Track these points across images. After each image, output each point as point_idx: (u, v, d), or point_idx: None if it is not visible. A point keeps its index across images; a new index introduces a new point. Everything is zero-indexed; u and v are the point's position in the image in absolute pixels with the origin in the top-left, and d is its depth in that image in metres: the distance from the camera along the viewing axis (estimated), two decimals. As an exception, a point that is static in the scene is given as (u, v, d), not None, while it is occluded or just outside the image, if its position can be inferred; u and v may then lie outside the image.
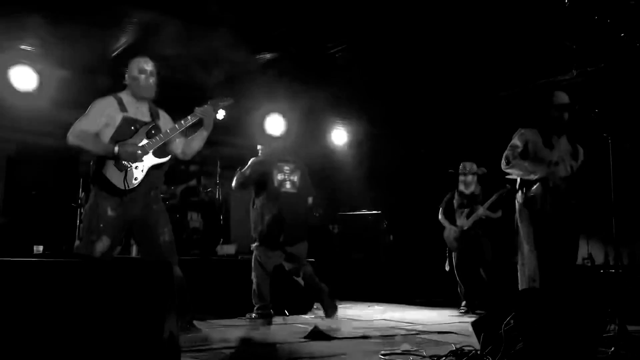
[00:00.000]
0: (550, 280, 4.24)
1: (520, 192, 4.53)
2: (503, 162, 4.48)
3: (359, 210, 9.00)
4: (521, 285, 4.40)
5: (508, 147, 4.52)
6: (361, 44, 6.54)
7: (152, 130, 3.78)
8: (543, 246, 4.34)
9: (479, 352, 3.18)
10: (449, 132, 8.76)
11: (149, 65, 3.84)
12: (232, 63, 7.04)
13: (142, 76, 3.80)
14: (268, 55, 6.88)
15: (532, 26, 5.78)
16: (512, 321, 3.05)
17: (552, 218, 4.38)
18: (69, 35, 6.02)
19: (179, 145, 3.98)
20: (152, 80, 3.83)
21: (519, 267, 4.47)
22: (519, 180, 4.58)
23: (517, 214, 4.56)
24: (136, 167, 3.66)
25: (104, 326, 2.07)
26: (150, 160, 3.73)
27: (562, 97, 4.52)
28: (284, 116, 8.44)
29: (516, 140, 4.53)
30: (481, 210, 6.46)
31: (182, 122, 3.81)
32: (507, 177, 5.46)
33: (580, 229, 4.46)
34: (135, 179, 3.66)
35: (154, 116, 3.89)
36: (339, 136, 9.63)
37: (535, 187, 4.42)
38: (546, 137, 4.50)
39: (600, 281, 6.15)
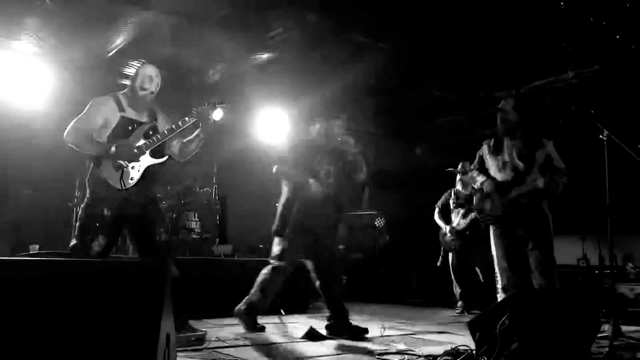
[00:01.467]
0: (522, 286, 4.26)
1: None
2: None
3: (356, 211, 9.01)
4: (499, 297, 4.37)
5: None
6: (358, 44, 6.55)
7: (149, 131, 3.78)
8: (507, 253, 4.40)
9: (474, 352, 3.19)
10: (446, 132, 8.78)
11: (151, 85, 3.82)
12: (229, 63, 7.05)
13: (142, 93, 3.80)
14: (265, 56, 6.88)
15: (529, 27, 5.80)
16: (507, 321, 3.07)
17: (502, 223, 4.46)
18: (67, 35, 6.02)
19: (176, 147, 3.98)
20: (149, 98, 3.84)
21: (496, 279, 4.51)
22: None
23: None
24: (132, 167, 3.66)
25: (100, 326, 2.07)
26: (147, 160, 3.73)
27: (503, 104, 4.57)
28: (281, 117, 8.44)
29: (477, 154, 4.79)
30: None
31: (180, 123, 3.81)
32: None
33: (541, 227, 4.36)
34: (132, 178, 3.66)
35: (152, 117, 3.90)
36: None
37: (475, 198, 4.70)
38: (496, 143, 4.61)
39: (595, 282, 6.18)
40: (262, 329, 4.55)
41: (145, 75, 3.83)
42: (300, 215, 4.46)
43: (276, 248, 4.59)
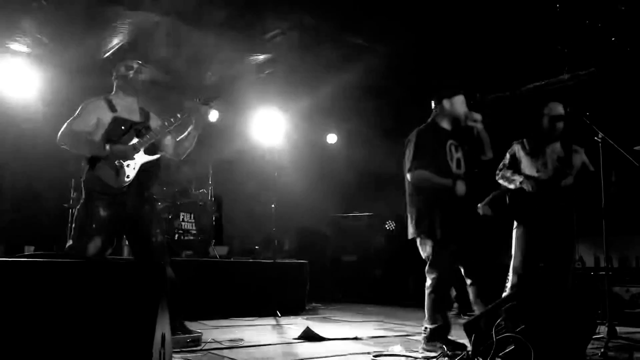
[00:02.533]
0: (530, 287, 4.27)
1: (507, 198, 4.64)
2: (497, 173, 4.72)
3: (352, 212, 9.02)
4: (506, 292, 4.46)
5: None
6: (354, 46, 6.56)
7: (142, 130, 3.80)
8: (530, 249, 4.41)
9: (470, 353, 3.20)
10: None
11: (135, 63, 3.90)
12: (226, 64, 7.04)
13: (131, 72, 3.86)
14: (262, 57, 6.88)
15: (524, 30, 5.82)
16: (503, 322, 3.07)
17: (535, 223, 4.43)
18: (62, 36, 6.01)
19: (169, 146, 3.99)
20: (141, 75, 3.88)
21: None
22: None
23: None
24: (128, 166, 3.67)
25: (96, 327, 2.06)
26: (141, 158, 3.74)
27: (557, 109, 4.54)
28: (277, 118, 8.44)
29: (507, 154, 4.72)
30: (480, 207, 6.49)
31: (172, 119, 3.82)
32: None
33: (570, 231, 4.45)
34: (128, 177, 3.66)
35: (144, 116, 3.92)
36: (333, 138, 9.66)
37: (511, 194, 4.59)
38: (533, 145, 4.59)
39: (591, 283, 6.19)
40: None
41: (126, 60, 3.94)
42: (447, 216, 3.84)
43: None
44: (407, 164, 3.95)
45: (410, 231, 3.98)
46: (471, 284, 3.92)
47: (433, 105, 4.17)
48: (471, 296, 3.91)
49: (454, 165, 3.94)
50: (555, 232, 4.39)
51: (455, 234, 3.82)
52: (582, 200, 4.50)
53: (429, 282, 3.90)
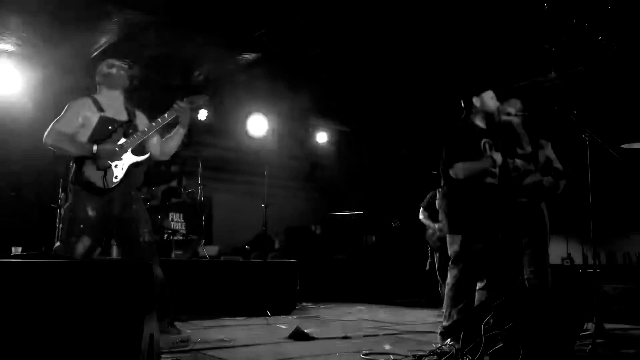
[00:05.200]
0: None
1: None
2: None
3: (342, 211, 9.03)
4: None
5: None
6: (344, 45, 6.56)
7: (129, 129, 3.79)
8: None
9: (459, 351, 3.21)
10: (431, 133, 8.81)
11: (117, 61, 3.89)
12: (214, 63, 7.03)
13: (113, 69, 3.85)
14: (250, 56, 6.87)
15: (512, 29, 5.85)
16: (491, 320, 3.09)
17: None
18: (50, 35, 5.97)
19: (156, 145, 3.98)
20: (123, 71, 3.87)
21: None
22: None
23: None
24: (116, 166, 3.66)
25: (83, 327, 2.05)
26: (129, 158, 3.73)
27: (512, 101, 4.44)
28: (266, 117, 8.43)
29: None
30: None
31: (159, 119, 3.82)
32: None
33: (541, 227, 4.34)
34: (116, 177, 3.65)
35: (131, 116, 3.90)
36: (322, 137, 9.66)
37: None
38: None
39: (578, 280, 6.24)
40: None
41: (106, 60, 3.91)
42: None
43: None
44: (445, 163, 3.91)
45: (444, 228, 4.00)
46: (481, 288, 3.89)
47: (463, 104, 4.11)
48: (477, 299, 3.85)
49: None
50: (523, 229, 4.28)
51: (484, 233, 3.80)
52: (547, 196, 4.38)
53: (450, 278, 3.87)
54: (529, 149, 4.00)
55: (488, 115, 3.99)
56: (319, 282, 8.21)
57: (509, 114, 3.94)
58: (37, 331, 2.01)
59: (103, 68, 3.88)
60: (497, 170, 3.90)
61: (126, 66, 3.89)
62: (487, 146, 3.94)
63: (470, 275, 3.82)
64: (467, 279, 3.81)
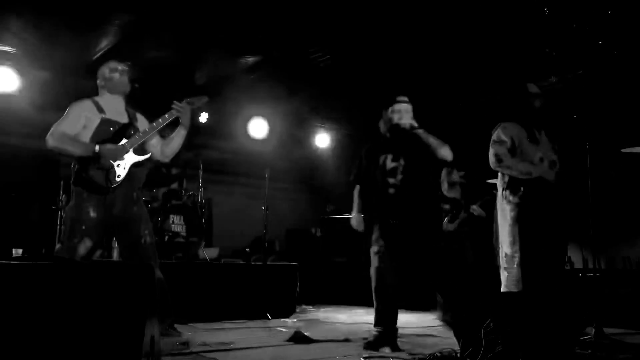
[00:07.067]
0: (535, 285, 3.95)
1: (508, 191, 4.12)
2: (493, 159, 4.12)
3: (342, 214, 9.02)
4: (504, 289, 4.08)
5: (493, 143, 4.16)
6: (343, 48, 6.57)
7: (130, 131, 3.81)
8: (530, 250, 3.99)
9: (458, 355, 3.21)
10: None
11: (120, 65, 3.91)
12: (215, 66, 7.03)
13: (116, 74, 3.87)
14: (251, 59, 6.88)
15: (513, 33, 5.86)
16: (491, 324, 3.09)
17: (544, 220, 4.03)
18: (51, 37, 5.98)
19: (157, 147, 3.99)
20: (125, 77, 3.89)
21: (500, 270, 4.14)
22: (507, 178, 4.15)
23: (501, 215, 4.18)
24: (118, 165, 3.68)
25: (84, 330, 2.06)
26: (131, 158, 3.75)
27: (534, 87, 4.32)
28: (267, 119, 8.44)
29: (502, 135, 4.15)
30: (475, 207, 6.53)
31: (160, 120, 3.84)
32: (488, 180, 5.45)
33: (568, 231, 4.21)
34: (118, 176, 3.68)
35: (132, 118, 3.93)
36: (323, 139, 9.66)
37: (527, 187, 4.06)
38: (530, 131, 4.17)
39: (578, 284, 6.24)
40: None
41: (109, 63, 3.92)
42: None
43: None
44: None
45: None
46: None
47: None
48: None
49: (389, 175, 4.13)
50: (554, 234, 4.09)
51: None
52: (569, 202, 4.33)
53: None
54: (442, 153, 4.09)
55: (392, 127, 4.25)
56: (319, 285, 8.20)
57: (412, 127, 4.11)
58: (38, 333, 2.02)
59: (105, 71, 3.89)
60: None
61: (127, 69, 3.91)
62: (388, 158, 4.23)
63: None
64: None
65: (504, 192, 4.16)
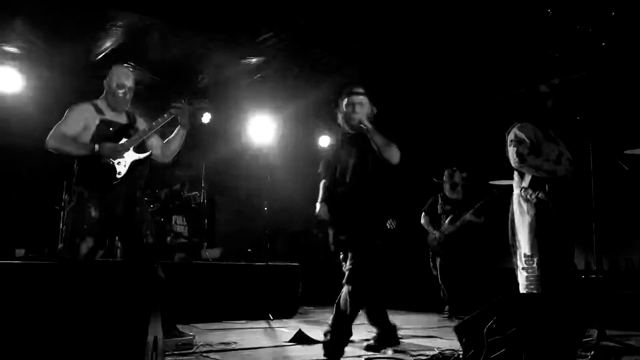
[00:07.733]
0: (553, 285, 3.93)
1: (530, 191, 4.07)
2: (516, 159, 4.07)
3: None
4: (523, 291, 4.01)
5: (514, 143, 4.11)
6: (345, 50, 6.58)
7: (130, 131, 3.83)
8: (551, 251, 3.97)
9: (461, 356, 3.21)
10: (432, 138, 8.83)
11: (128, 81, 3.87)
12: (218, 67, 7.04)
13: (120, 91, 3.83)
14: (254, 60, 6.89)
15: (516, 34, 5.86)
16: (494, 325, 3.08)
17: (565, 220, 4.02)
18: (54, 37, 6.00)
19: (157, 148, 3.99)
20: (128, 96, 3.88)
21: (518, 271, 4.07)
22: (528, 177, 4.10)
23: (519, 214, 4.11)
24: (118, 163, 3.69)
25: (87, 329, 2.06)
26: (131, 156, 3.77)
27: (545, 87, 4.35)
28: (270, 120, 8.44)
29: (521, 135, 4.11)
30: (468, 216, 6.52)
31: (159, 120, 3.84)
32: (491, 182, 5.44)
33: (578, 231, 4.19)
34: (119, 173, 3.69)
35: (131, 119, 3.94)
36: (326, 141, 9.65)
37: (551, 186, 4.03)
38: (545, 130, 4.16)
39: (581, 287, 6.23)
40: None
41: (120, 73, 3.88)
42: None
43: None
44: None
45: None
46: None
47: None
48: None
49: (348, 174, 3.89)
50: (571, 234, 4.10)
51: None
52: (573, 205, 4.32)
53: None
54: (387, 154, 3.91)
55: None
56: (321, 286, 8.19)
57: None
58: (41, 333, 2.02)
59: (113, 81, 3.84)
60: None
61: (133, 86, 3.88)
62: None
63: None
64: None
65: (523, 191, 4.12)
